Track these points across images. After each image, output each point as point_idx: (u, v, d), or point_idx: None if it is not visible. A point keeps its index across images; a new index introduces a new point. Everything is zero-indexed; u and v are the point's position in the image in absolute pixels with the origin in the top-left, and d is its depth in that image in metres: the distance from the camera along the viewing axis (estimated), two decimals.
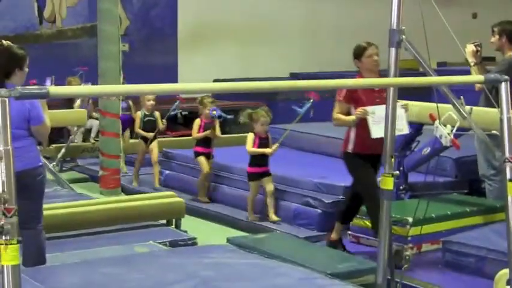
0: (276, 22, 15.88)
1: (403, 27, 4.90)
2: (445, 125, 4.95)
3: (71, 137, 10.78)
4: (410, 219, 6.49)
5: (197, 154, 8.77)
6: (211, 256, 5.54)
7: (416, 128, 7.57)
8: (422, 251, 6.71)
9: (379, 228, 5.23)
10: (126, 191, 9.44)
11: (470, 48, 7.57)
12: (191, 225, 7.65)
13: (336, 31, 16.14)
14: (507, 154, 4.31)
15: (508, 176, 4.30)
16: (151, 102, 9.50)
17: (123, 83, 9.54)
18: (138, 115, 9.54)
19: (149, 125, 9.47)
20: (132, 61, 12.16)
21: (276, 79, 9.93)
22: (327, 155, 9.24)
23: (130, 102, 10.76)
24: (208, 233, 7.65)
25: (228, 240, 6.52)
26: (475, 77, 4.37)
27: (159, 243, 6.58)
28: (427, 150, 7.34)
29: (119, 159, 9.56)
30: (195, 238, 6.93)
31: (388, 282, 5.55)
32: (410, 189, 7.78)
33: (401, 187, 7.68)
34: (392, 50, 4.94)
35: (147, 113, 9.49)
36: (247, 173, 8.05)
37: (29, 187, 5.23)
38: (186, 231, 7.22)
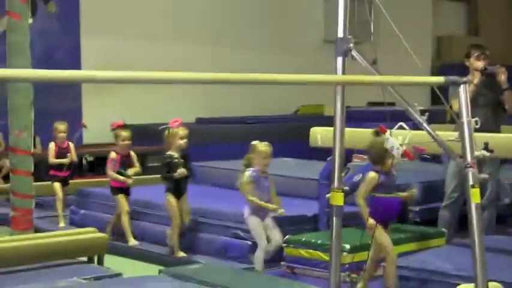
0: (182, 69, 15.64)
1: (350, 37, 4.76)
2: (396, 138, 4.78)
3: None
4: (348, 246, 6.46)
5: None
6: (147, 286, 5.20)
7: (346, 154, 7.40)
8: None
9: (330, 253, 4.97)
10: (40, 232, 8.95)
11: (504, 72, 7.39)
12: (113, 263, 7.23)
13: None
14: (468, 159, 4.16)
15: (470, 182, 4.15)
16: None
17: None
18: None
19: None
20: None
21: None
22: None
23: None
24: (132, 271, 7.25)
25: (161, 271, 6.15)
26: (433, 78, 4.21)
27: (84, 279, 6.15)
28: (358, 177, 7.18)
29: (31, 199, 9.06)
30: (121, 274, 6.49)
31: None
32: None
33: None
34: (339, 59, 4.78)
35: None
36: None
37: None
38: (109, 268, 6.80)
